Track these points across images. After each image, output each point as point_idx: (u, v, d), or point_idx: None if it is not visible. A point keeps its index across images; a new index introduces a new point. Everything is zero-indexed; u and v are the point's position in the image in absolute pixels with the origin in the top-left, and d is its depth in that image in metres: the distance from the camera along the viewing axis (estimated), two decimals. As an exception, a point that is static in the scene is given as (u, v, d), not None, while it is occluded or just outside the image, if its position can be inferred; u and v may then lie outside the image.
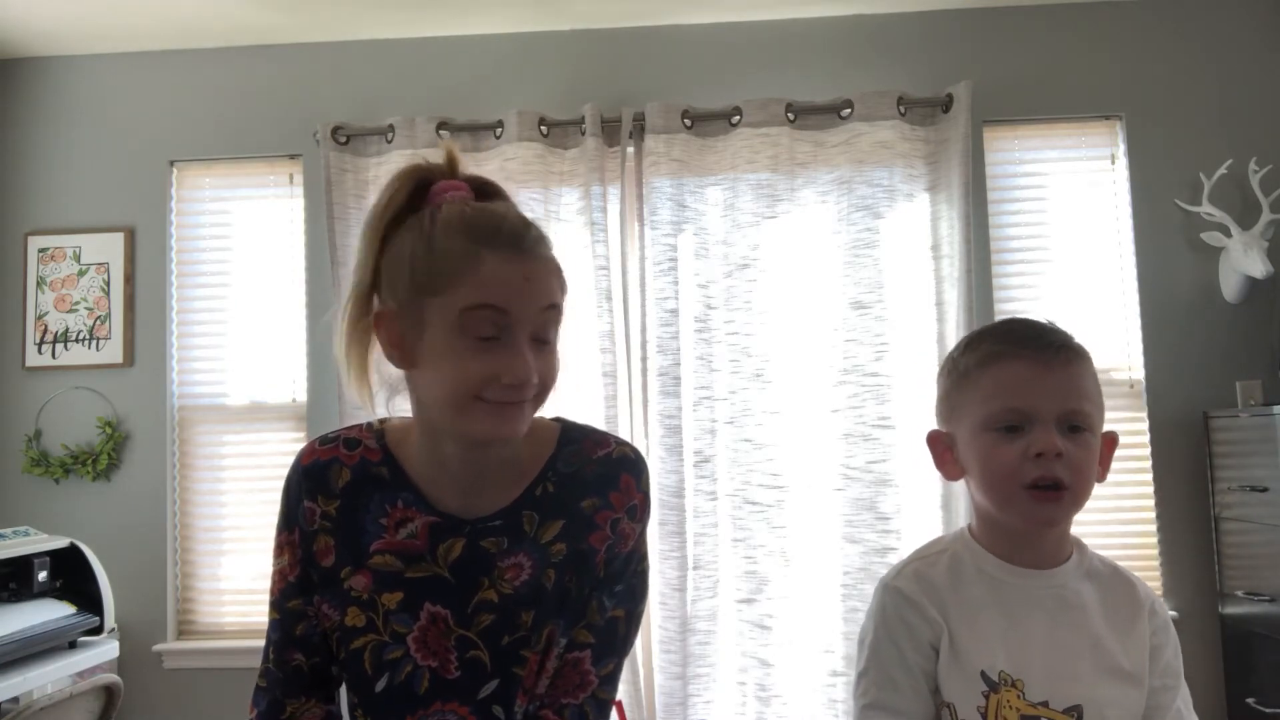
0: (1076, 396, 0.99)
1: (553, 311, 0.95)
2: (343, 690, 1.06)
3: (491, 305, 0.90)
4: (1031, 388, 0.99)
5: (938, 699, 1.01)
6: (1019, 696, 0.97)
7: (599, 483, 1.03)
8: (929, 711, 1.01)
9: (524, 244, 0.92)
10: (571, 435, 1.06)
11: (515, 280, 0.91)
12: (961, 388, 1.06)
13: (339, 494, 1.01)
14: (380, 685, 0.98)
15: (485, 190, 1.00)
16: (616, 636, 1.03)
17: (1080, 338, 1.04)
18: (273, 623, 1.04)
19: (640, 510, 1.04)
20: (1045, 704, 0.97)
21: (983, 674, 0.98)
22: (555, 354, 0.97)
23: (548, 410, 1.10)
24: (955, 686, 0.99)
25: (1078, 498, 0.99)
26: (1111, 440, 1.04)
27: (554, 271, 0.96)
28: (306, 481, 1.02)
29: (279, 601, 1.03)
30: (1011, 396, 1.00)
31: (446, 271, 0.91)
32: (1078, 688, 0.98)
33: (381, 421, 1.06)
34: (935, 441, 1.09)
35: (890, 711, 1.00)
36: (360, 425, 1.07)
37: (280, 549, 1.04)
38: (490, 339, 0.91)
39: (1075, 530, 1.07)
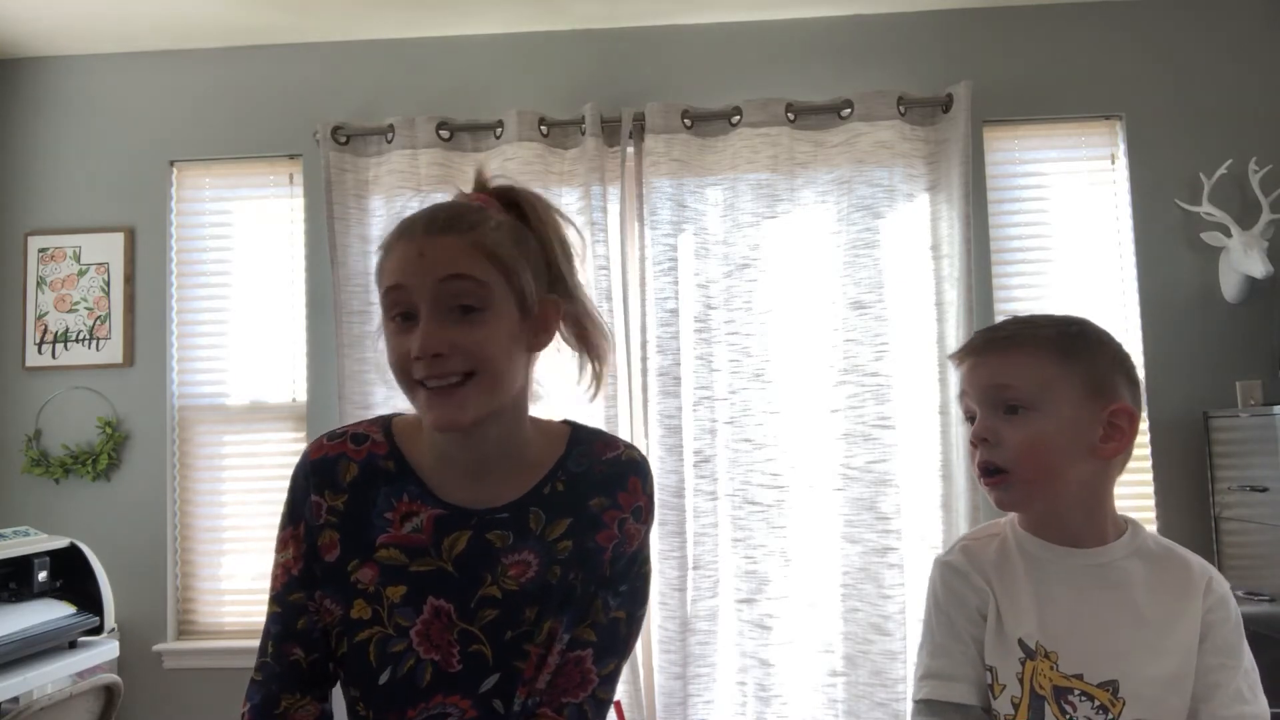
0: (998, 377, 1.03)
1: (460, 281, 0.94)
2: (336, 690, 1.06)
3: (393, 285, 0.96)
4: (967, 380, 1.07)
5: (985, 664, 1.03)
6: (1051, 668, 0.99)
7: (608, 483, 1.05)
8: (980, 677, 1.03)
9: (417, 228, 0.97)
10: (581, 436, 1.08)
11: (410, 257, 0.95)
12: None
13: (346, 489, 1.02)
14: (384, 678, 0.99)
15: (508, 197, 1.04)
16: (618, 637, 1.04)
17: (1042, 328, 1.06)
18: (273, 616, 1.03)
19: (645, 512, 1.07)
20: (1080, 676, 0.99)
21: (1020, 641, 1.01)
22: (490, 328, 0.95)
23: (544, 411, 1.10)
24: (997, 652, 1.02)
25: (1028, 480, 1.02)
26: (1123, 412, 1.03)
27: (462, 247, 0.95)
28: (315, 476, 1.02)
29: (281, 595, 1.03)
30: (962, 391, 1.08)
31: (378, 268, 0.99)
32: (1115, 662, 0.98)
33: (392, 416, 1.08)
34: None
35: (942, 677, 1.03)
36: (368, 420, 1.08)
37: (284, 543, 1.04)
38: (406, 319, 0.96)
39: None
